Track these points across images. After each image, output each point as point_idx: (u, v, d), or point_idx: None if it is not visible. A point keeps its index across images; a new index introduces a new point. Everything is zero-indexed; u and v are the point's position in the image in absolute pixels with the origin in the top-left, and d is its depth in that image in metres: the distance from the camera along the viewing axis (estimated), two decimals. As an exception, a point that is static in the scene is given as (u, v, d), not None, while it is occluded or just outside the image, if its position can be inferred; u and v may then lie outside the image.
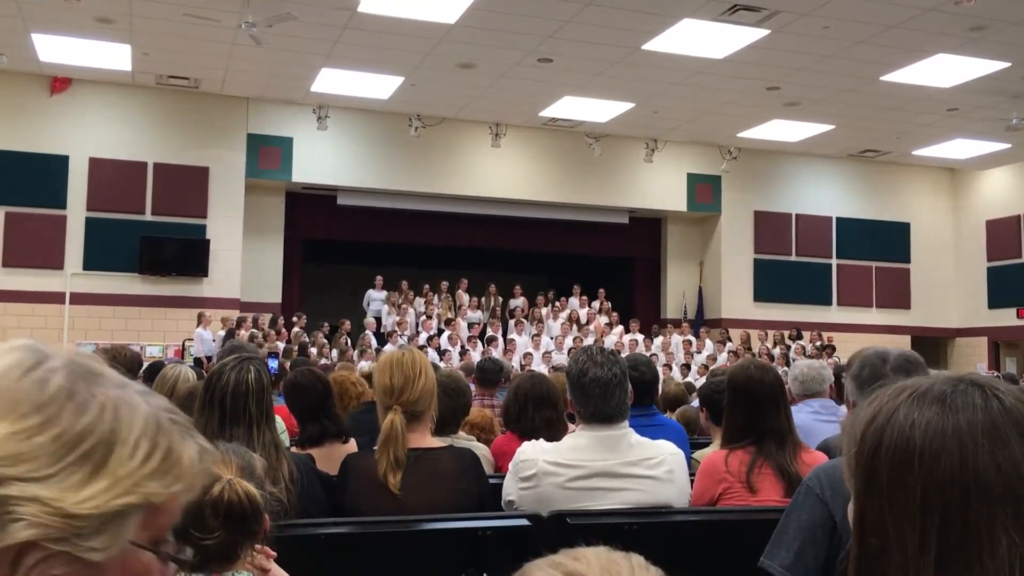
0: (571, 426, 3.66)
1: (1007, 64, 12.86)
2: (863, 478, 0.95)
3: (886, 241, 19.24)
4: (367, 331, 15.27)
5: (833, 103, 14.99)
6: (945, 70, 13.20)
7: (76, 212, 14.65)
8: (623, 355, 3.39)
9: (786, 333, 17.10)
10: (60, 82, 14.53)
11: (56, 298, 14.44)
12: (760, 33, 11.96)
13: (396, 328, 15.29)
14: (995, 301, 18.81)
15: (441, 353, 14.62)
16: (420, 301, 16.57)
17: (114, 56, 13.45)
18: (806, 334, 17.21)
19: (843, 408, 4.00)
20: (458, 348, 15.02)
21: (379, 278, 16.73)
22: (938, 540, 0.89)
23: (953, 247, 19.80)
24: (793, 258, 18.72)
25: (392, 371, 2.82)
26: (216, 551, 1.71)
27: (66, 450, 0.78)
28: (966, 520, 0.88)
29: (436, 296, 16.73)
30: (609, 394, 2.82)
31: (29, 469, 0.76)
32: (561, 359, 14.35)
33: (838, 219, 19.04)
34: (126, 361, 4.70)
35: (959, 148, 17.59)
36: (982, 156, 18.04)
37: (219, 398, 2.63)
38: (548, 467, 2.79)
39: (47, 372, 0.81)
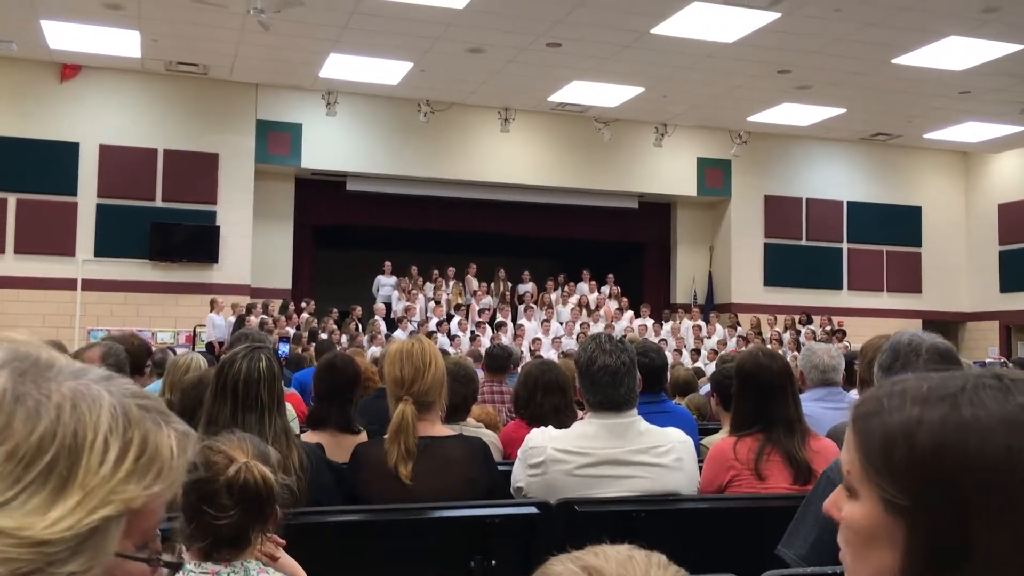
0: (580, 413, 3.67)
1: (1020, 46, 12.74)
2: (927, 485, 0.88)
3: (897, 225, 19.15)
4: (377, 317, 15.30)
5: (844, 86, 14.89)
6: (957, 52, 13.08)
7: (87, 199, 14.70)
8: (631, 339, 3.39)
9: (796, 318, 17.06)
10: (70, 69, 14.55)
11: (68, 284, 14.51)
12: (771, 16, 11.88)
13: (405, 314, 15.32)
14: (1007, 285, 18.72)
15: (451, 338, 14.65)
16: (429, 287, 16.59)
17: (123, 43, 13.45)
18: (816, 319, 17.16)
19: (852, 395, 4.00)
20: (468, 333, 15.05)
21: (388, 264, 16.76)
22: None
23: (965, 231, 19.69)
24: (804, 242, 18.65)
25: (403, 362, 2.83)
26: (228, 533, 1.73)
27: (23, 468, 0.66)
28: None
29: (445, 282, 16.75)
30: (618, 382, 2.83)
31: None
32: (571, 344, 14.37)
33: (849, 203, 18.95)
34: (135, 350, 4.70)
35: (971, 131, 17.46)
36: (995, 139, 17.91)
37: (231, 386, 2.65)
38: (557, 454, 2.81)
39: None
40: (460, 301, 16.31)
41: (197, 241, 15.07)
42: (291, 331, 13.90)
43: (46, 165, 14.41)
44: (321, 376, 3.65)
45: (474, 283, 16.93)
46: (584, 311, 16.49)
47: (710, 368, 11.61)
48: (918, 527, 0.88)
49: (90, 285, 14.61)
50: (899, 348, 2.48)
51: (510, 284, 17.34)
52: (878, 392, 0.97)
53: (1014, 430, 0.87)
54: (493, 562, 2.65)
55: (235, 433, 1.90)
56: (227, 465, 1.74)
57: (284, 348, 11.27)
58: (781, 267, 18.35)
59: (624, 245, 18.98)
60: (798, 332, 16.39)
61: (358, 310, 15.36)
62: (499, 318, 15.92)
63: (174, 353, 6.23)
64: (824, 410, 3.59)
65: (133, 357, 4.50)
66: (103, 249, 14.69)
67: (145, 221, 14.79)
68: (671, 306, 17.95)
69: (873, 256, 19.02)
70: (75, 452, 0.68)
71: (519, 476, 2.89)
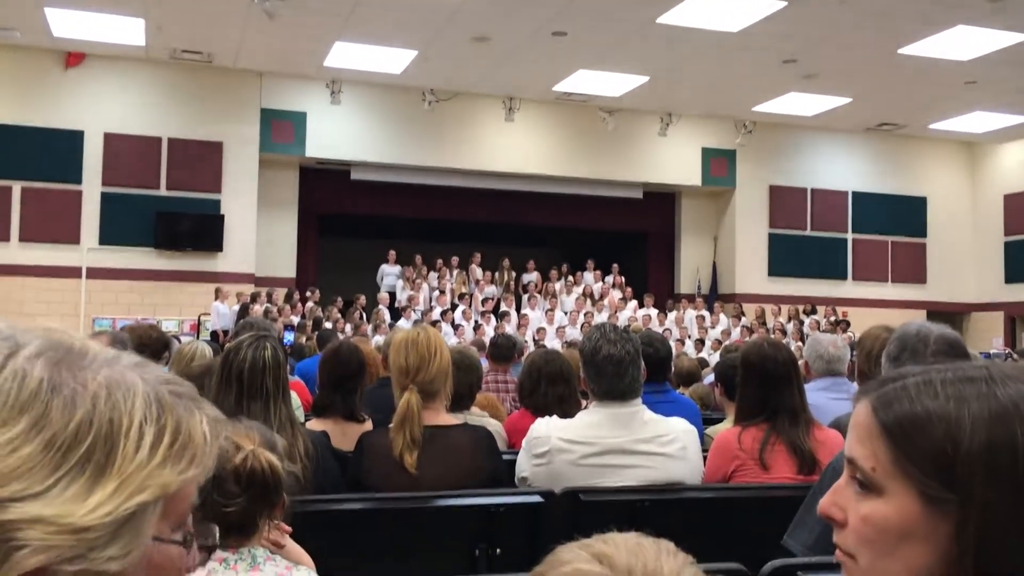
0: (584, 402, 3.68)
1: (1027, 36, 12.69)
2: (979, 477, 0.86)
3: (902, 215, 19.11)
4: (380, 306, 15.32)
5: (850, 76, 14.84)
6: (964, 42, 13.03)
7: (91, 187, 14.72)
8: (635, 328, 3.39)
9: (800, 308, 17.05)
10: (74, 57, 14.54)
11: (73, 272, 14.54)
12: (777, 5, 11.83)
13: (409, 303, 15.33)
14: (1012, 276, 18.69)
15: (455, 328, 14.66)
16: (433, 276, 16.59)
17: (128, 30, 13.44)
18: (821, 309, 17.15)
19: (855, 385, 4.00)
20: (472, 323, 15.06)
21: (392, 253, 16.77)
22: None
23: (970, 221, 19.65)
24: (808, 233, 18.62)
25: (408, 351, 2.84)
26: (235, 519, 1.74)
27: (62, 456, 0.68)
28: None
29: (449, 271, 16.75)
30: (622, 371, 2.83)
31: (24, 487, 0.66)
32: (575, 334, 14.37)
33: (854, 193, 18.91)
34: (153, 343, 4.73)
35: (977, 121, 17.40)
36: (1001, 130, 17.85)
37: (236, 374, 2.67)
38: (561, 444, 2.81)
39: (24, 363, 0.70)
40: (464, 290, 16.32)
41: (201, 230, 15.08)
42: (295, 320, 13.92)
43: (51, 153, 14.42)
44: (326, 364, 3.66)
45: (478, 272, 16.93)
46: (588, 301, 16.50)
47: (714, 358, 11.61)
48: (969, 520, 0.86)
49: (95, 273, 14.63)
50: (907, 338, 2.48)
51: (514, 273, 17.35)
52: (899, 385, 0.94)
53: None
54: (498, 551, 2.66)
55: (242, 421, 1.91)
56: (234, 452, 1.75)
57: (289, 336, 11.30)
58: (785, 257, 18.33)
59: (628, 235, 18.97)
60: (802, 322, 16.38)
61: (362, 299, 15.38)
62: (503, 307, 15.94)
63: (179, 341, 6.26)
64: (829, 400, 3.59)
65: (151, 348, 4.57)
66: (108, 237, 14.71)
67: (150, 209, 14.80)
68: (675, 296, 17.95)
69: (878, 246, 18.99)
70: (112, 439, 0.70)
71: (524, 466, 2.90)
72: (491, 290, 16.59)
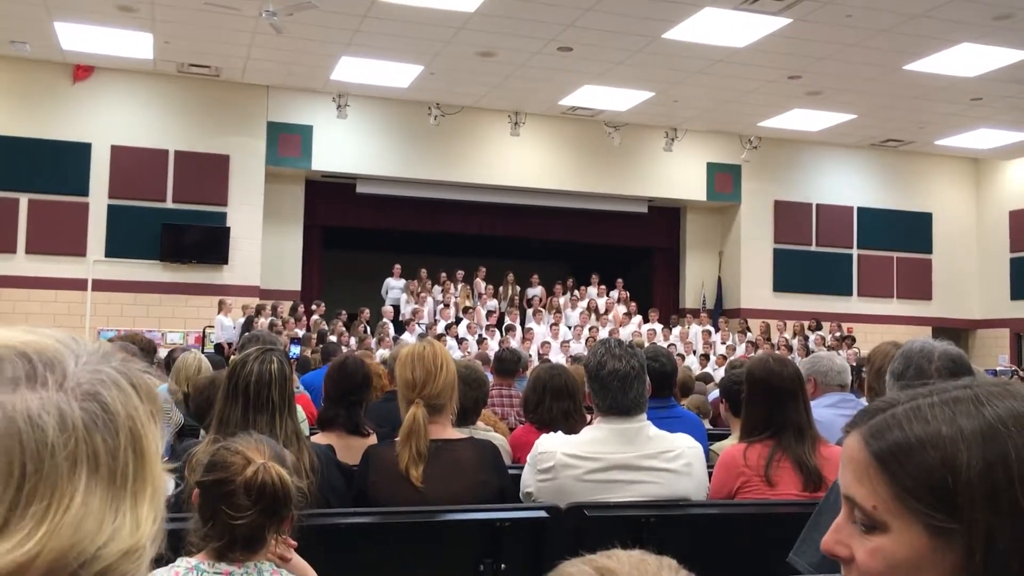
0: (589, 417, 3.68)
1: (1033, 53, 12.71)
2: (981, 503, 0.85)
3: (908, 231, 19.10)
4: (385, 319, 15.32)
5: (855, 92, 14.87)
6: (969, 59, 13.05)
7: (98, 199, 14.77)
8: (637, 343, 3.40)
9: (806, 324, 17.02)
10: (82, 70, 14.62)
11: (79, 285, 14.58)
12: (782, 22, 11.87)
13: (414, 316, 15.34)
14: (1018, 292, 18.64)
15: (459, 341, 14.66)
16: (438, 289, 16.60)
17: (136, 44, 13.52)
18: (826, 325, 17.12)
19: (863, 401, 3.99)
20: (476, 337, 15.06)
21: (397, 266, 16.79)
22: None
23: (976, 238, 19.63)
24: (813, 248, 18.61)
25: (414, 365, 2.84)
26: (244, 533, 1.74)
27: (119, 487, 0.64)
28: None
29: (454, 284, 16.76)
30: (627, 387, 2.83)
31: (105, 535, 0.62)
32: (579, 348, 14.36)
33: (859, 209, 18.90)
34: (140, 343, 4.77)
35: (983, 138, 17.41)
36: (1006, 146, 17.85)
37: (242, 387, 2.67)
38: (566, 459, 2.81)
39: (45, 405, 0.63)
40: (468, 304, 16.32)
41: (207, 242, 15.12)
42: (300, 333, 13.93)
43: (58, 165, 14.48)
44: (331, 377, 3.67)
45: (482, 286, 16.94)
46: (593, 315, 16.48)
47: (719, 374, 11.59)
48: (976, 546, 0.86)
49: (101, 285, 14.67)
50: (911, 355, 2.48)
51: (519, 288, 17.35)
52: (888, 414, 0.93)
53: None
54: (503, 566, 2.66)
55: (252, 435, 1.91)
56: (245, 466, 1.76)
57: (295, 350, 11.31)
58: (790, 272, 18.32)
59: (633, 249, 18.98)
60: (807, 338, 16.35)
61: (366, 312, 15.39)
62: (508, 321, 15.92)
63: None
64: (835, 416, 3.58)
65: (141, 353, 4.57)
66: (114, 249, 14.75)
67: (156, 222, 14.85)
68: (680, 311, 17.93)
69: (883, 262, 18.97)
70: (138, 446, 0.67)
71: (529, 481, 2.90)
72: (492, 303, 16.59)
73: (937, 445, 0.88)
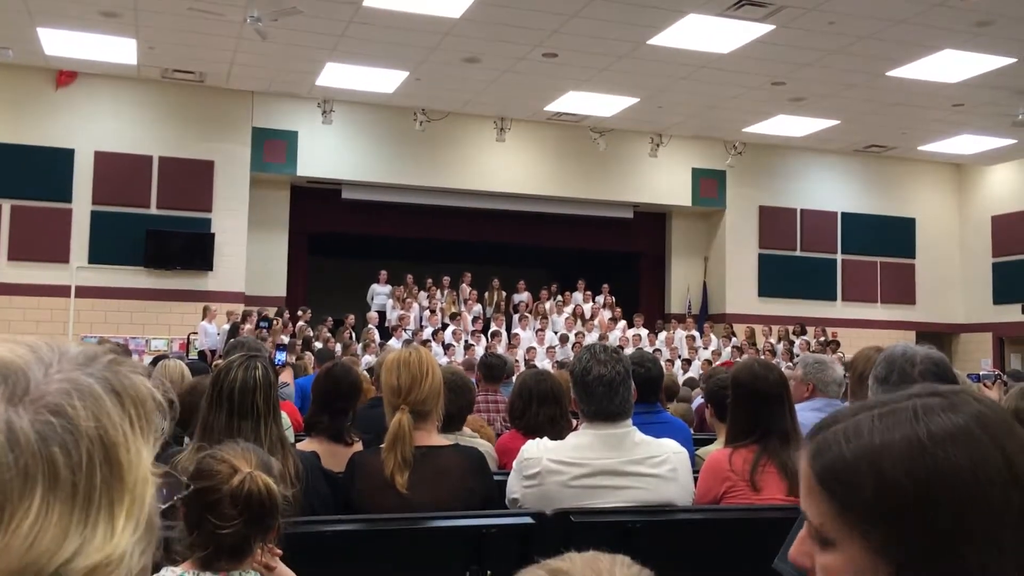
0: (575, 423, 3.68)
1: (1013, 60, 12.82)
2: (909, 519, 0.86)
3: (891, 236, 19.21)
4: (371, 325, 15.29)
5: (838, 98, 14.96)
6: (951, 65, 13.16)
7: (81, 205, 14.68)
8: (628, 350, 3.40)
9: (790, 329, 17.09)
10: (65, 76, 14.54)
11: (62, 291, 14.47)
12: (765, 28, 11.94)
13: (400, 322, 15.31)
14: (1000, 297, 18.78)
15: (445, 348, 14.64)
16: (424, 295, 16.58)
17: (119, 50, 13.45)
18: (810, 330, 17.19)
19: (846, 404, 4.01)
20: (462, 343, 15.04)
21: (383, 272, 16.75)
22: None
23: (959, 242, 19.77)
24: (798, 253, 18.70)
25: (399, 371, 2.83)
26: (230, 542, 1.73)
27: (84, 499, 0.63)
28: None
29: (440, 290, 16.74)
30: (613, 392, 2.84)
31: (69, 548, 0.61)
32: (565, 354, 14.37)
33: (843, 214, 19.01)
34: (119, 352, 4.73)
35: (965, 144, 17.54)
36: (988, 152, 18.00)
37: (227, 394, 2.66)
38: (552, 465, 2.81)
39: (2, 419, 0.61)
40: (454, 310, 16.30)
41: (192, 248, 15.04)
42: (286, 339, 13.86)
43: (41, 171, 14.38)
44: (318, 384, 3.66)
45: (468, 292, 16.93)
46: (579, 321, 16.49)
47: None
48: (903, 565, 0.87)
49: (84, 292, 14.56)
50: (894, 360, 2.50)
51: (504, 293, 17.35)
52: (830, 432, 0.93)
53: (970, 443, 0.87)
54: (489, 572, 2.65)
55: (238, 443, 1.90)
56: (231, 475, 1.75)
57: (281, 356, 11.25)
58: (775, 278, 18.39)
59: (619, 255, 19.01)
60: (792, 343, 16.42)
61: (351, 318, 15.35)
62: (493, 327, 15.92)
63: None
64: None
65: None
66: (97, 256, 14.66)
67: (140, 228, 14.76)
68: (665, 316, 17.97)
69: (867, 267, 19.08)
70: (111, 456, 0.65)
71: (515, 487, 2.90)
72: (477, 309, 16.59)
73: (871, 461, 0.89)
